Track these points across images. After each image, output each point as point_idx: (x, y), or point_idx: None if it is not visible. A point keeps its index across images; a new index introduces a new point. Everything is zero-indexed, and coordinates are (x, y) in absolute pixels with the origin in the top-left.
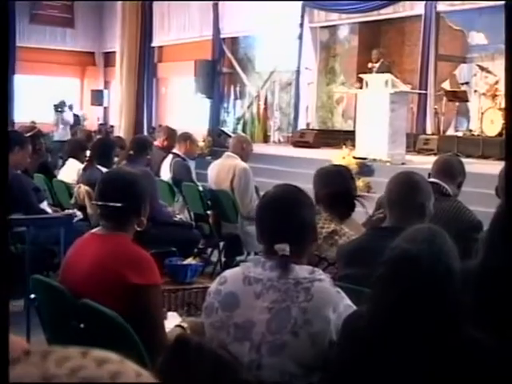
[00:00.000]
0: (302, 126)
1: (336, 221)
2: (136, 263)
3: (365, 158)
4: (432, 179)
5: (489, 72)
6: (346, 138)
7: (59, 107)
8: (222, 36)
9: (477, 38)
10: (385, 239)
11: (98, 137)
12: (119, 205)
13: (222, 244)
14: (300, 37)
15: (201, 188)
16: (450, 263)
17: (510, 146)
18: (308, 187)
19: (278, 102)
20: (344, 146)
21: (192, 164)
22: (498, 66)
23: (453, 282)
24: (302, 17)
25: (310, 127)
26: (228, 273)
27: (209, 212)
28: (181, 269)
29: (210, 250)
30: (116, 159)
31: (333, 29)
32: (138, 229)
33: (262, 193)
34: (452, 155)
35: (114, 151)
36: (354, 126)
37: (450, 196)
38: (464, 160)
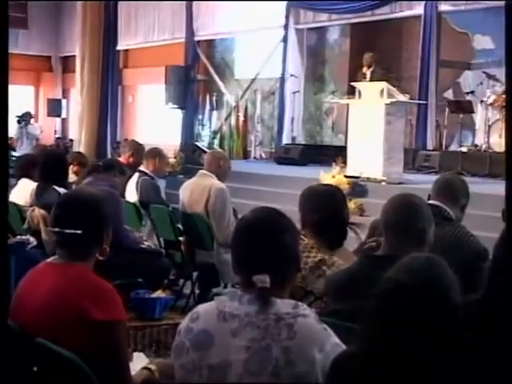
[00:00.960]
0: (286, 140)
1: (324, 249)
2: (97, 297)
3: (357, 177)
4: (432, 201)
5: (496, 80)
6: (336, 154)
7: (23, 119)
8: (196, 38)
9: (483, 41)
10: (379, 269)
11: (47, 151)
12: (78, 232)
13: (195, 274)
14: (284, 40)
15: (172, 211)
16: (450, 296)
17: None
18: (293, 210)
19: (260, 114)
20: (334, 164)
21: (162, 183)
22: None
23: (453, 318)
24: (287, 17)
25: (296, 142)
26: (200, 308)
27: (181, 238)
28: (149, 303)
29: (181, 281)
30: (75, 178)
31: (321, 31)
32: (100, 258)
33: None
34: (454, 174)
35: (67, 167)
36: (346, 141)
37: (452, 220)
38: (469, 179)
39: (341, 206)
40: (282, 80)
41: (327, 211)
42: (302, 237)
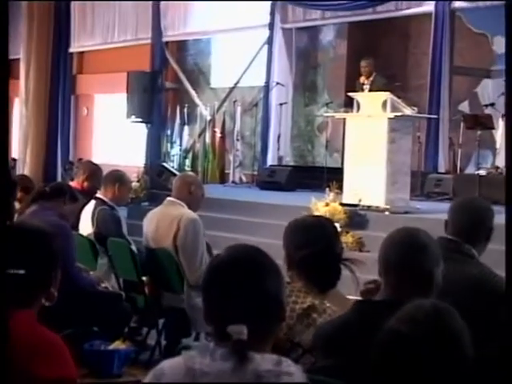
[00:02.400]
0: (271, 161)
1: (314, 293)
2: (41, 350)
3: (356, 205)
4: (451, 237)
5: None
6: (330, 177)
7: None
8: (164, 39)
9: (504, 44)
10: (378, 317)
11: None
12: (20, 272)
13: (161, 322)
14: (269, 42)
15: (134, 246)
16: (460, 350)
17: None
18: (279, 244)
19: (240, 129)
20: (328, 189)
21: (123, 212)
22: None
23: (464, 374)
24: (272, 15)
25: (283, 163)
26: (166, 364)
27: (144, 278)
28: (105, 356)
29: (145, 329)
30: (18, 206)
31: (313, 31)
32: (46, 303)
33: (216, 252)
34: (476, 196)
35: (13, 193)
36: (342, 162)
37: (473, 258)
38: None
39: (332, 239)
40: (267, 89)
41: (317, 247)
42: (287, 279)
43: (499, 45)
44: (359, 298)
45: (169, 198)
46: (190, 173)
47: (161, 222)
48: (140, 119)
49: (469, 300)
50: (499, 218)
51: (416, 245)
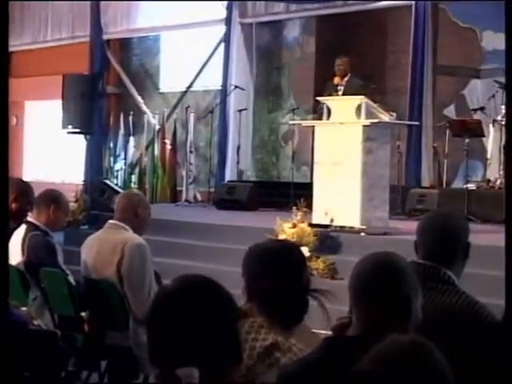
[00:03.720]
0: (230, 176)
1: (277, 329)
2: None
3: (327, 226)
4: (423, 261)
5: None
6: (298, 194)
7: None
8: (105, 37)
9: (495, 40)
10: (349, 356)
11: None
12: None
13: (104, 363)
14: (226, 39)
15: (71, 277)
16: None
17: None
18: (238, 272)
19: (194, 140)
20: (295, 208)
21: (58, 238)
22: None
23: None
24: (230, 8)
25: (243, 178)
26: None
27: (83, 314)
28: None
29: (85, 373)
30: None
31: (277, 26)
32: None
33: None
34: (447, 211)
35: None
36: (311, 177)
37: (452, 284)
38: (479, 227)
39: (299, 268)
40: (224, 93)
41: (280, 277)
42: (245, 313)
43: (489, 41)
44: (330, 333)
45: (111, 221)
46: (135, 190)
47: (102, 248)
48: (78, 129)
49: (451, 334)
50: (490, 239)
51: (390, 268)
